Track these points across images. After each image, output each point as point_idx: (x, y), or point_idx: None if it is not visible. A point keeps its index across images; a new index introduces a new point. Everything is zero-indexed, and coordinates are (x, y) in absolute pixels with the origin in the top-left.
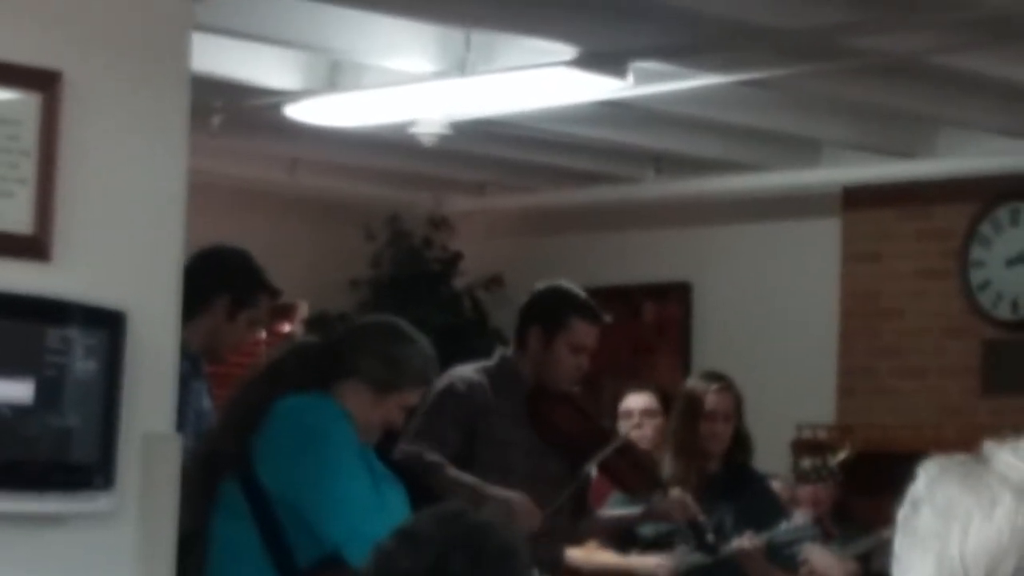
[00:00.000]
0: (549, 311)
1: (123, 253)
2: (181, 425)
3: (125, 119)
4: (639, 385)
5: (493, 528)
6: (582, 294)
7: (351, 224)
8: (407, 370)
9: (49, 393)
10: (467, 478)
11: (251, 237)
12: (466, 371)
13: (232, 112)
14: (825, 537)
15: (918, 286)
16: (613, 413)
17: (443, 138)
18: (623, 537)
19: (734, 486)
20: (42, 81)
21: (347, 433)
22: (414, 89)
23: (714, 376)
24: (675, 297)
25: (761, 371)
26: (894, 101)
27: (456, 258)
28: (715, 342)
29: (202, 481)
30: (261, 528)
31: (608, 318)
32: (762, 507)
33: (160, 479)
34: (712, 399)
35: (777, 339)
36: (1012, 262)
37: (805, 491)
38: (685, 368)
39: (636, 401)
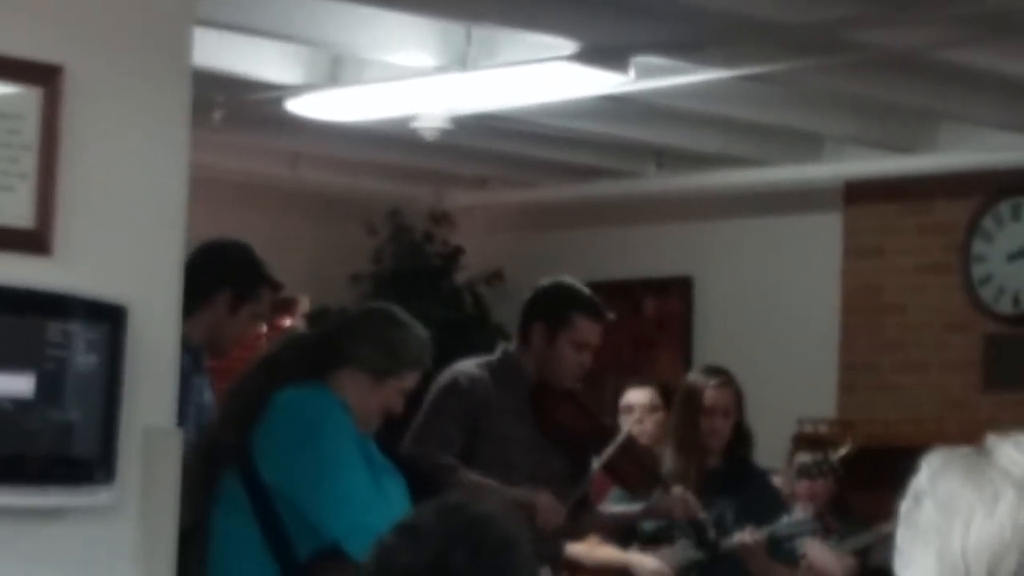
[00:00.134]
0: (553, 308)
1: (124, 247)
2: (182, 419)
3: (126, 113)
4: (640, 380)
5: (494, 520)
6: (586, 291)
7: (352, 219)
8: (403, 354)
9: (50, 387)
10: (487, 481)
11: (252, 232)
12: (468, 366)
13: (233, 107)
14: (825, 531)
15: (919, 281)
16: (614, 408)
17: (444, 133)
18: (624, 532)
19: (734, 481)
20: (43, 75)
21: (345, 425)
22: (415, 84)
23: (714, 371)
24: (676, 292)
25: (762, 366)
26: (896, 96)
27: (457, 253)
28: (716, 337)
29: (202, 474)
30: (261, 521)
31: (612, 315)
32: (763, 502)
33: (161, 473)
34: (711, 394)
35: (778, 334)
36: (1013, 257)
37: (802, 486)
38: (686, 363)
39: (637, 396)
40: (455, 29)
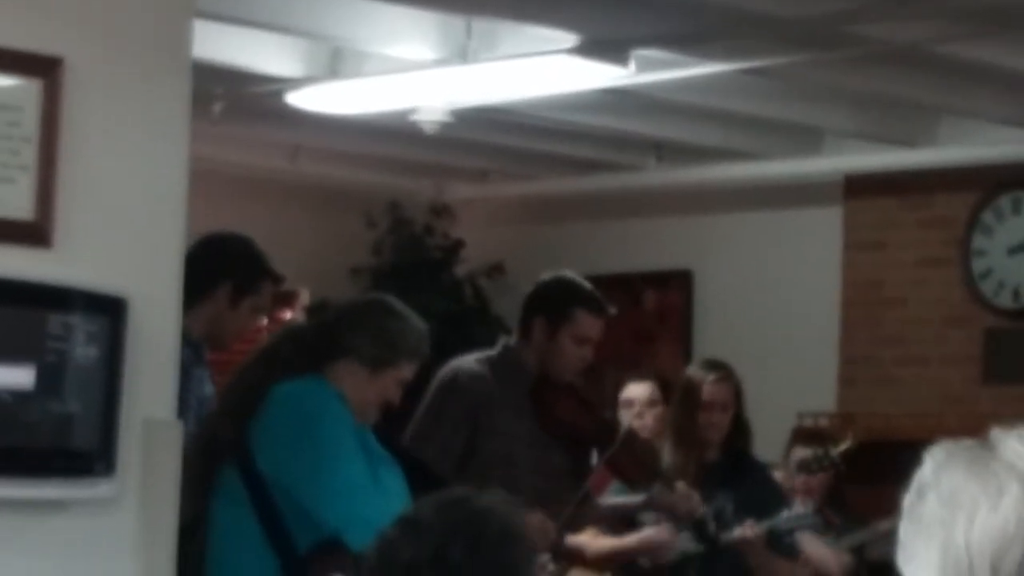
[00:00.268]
0: (554, 303)
1: (124, 240)
2: (183, 412)
3: (126, 106)
4: (640, 374)
5: (494, 513)
6: (587, 285)
7: (352, 211)
8: (400, 345)
9: (50, 379)
10: None
11: (252, 224)
12: (468, 362)
13: (233, 99)
14: (826, 525)
15: (920, 275)
16: (614, 402)
17: (444, 126)
18: (623, 524)
19: (733, 474)
20: (43, 67)
21: (343, 417)
22: (416, 77)
23: (713, 365)
24: (676, 285)
25: (762, 359)
26: (896, 90)
27: (457, 246)
28: (716, 330)
29: (201, 467)
30: (260, 514)
31: (613, 310)
32: (763, 495)
33: (161, 465)
34: (709, 389)
35: (779, 327)
36: (1014, 251)
37: (798, 480)
38: (686, 356)
39: (637, 391)
40: (455, 22)
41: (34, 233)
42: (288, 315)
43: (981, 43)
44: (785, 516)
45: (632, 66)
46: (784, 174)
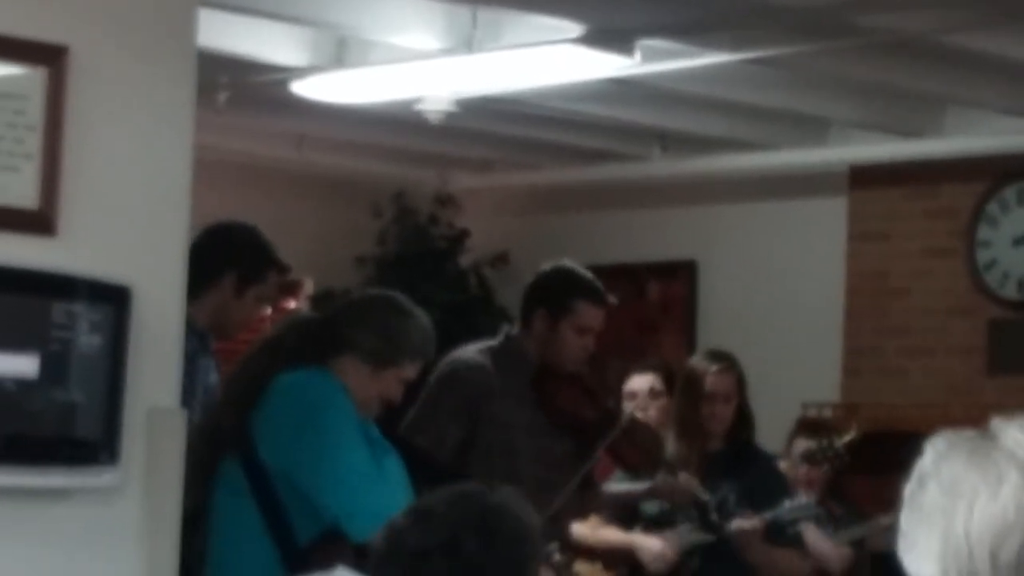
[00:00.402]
0: (554, 294)
1: (128, 228)
2: (189, 401)
3: (131, 94)
4: (643, 366)
5: (508, 510)
6: (588, 275)
7: (357, 201)
8: (404, 344)
9: (54, 368)
10: None
11: (257, 213)
12: (469, 353)
13: (238, 88)
14: (829, 516)
15: (924, 265)
16: (618, 392)
17: (449, 115)
18: (626, 514)
19: (737, 464)
20: (48, 56)
21: (346, 407)
22: (421, 66)
23: (716, 356)
24: (681, 275)
25: (766, 350)
26: (902, 80)
27: (462, 235)
28: (720, 321)
29: (205, 457)
30: (261, 505)
31: (614, 299)
32: (767, 485)
33: (165, 454)
34: (712, 380)
35: (783, 318)
36: (1019, 241)
37: (801, 471)
38: (690, 347)
39: (640, 382)
40: (461, 11)
41: (38, 222)
42: (292, 305)
43: (987, 33)
44: (788, 506)
45: (637, 56)
46: (789, 164)
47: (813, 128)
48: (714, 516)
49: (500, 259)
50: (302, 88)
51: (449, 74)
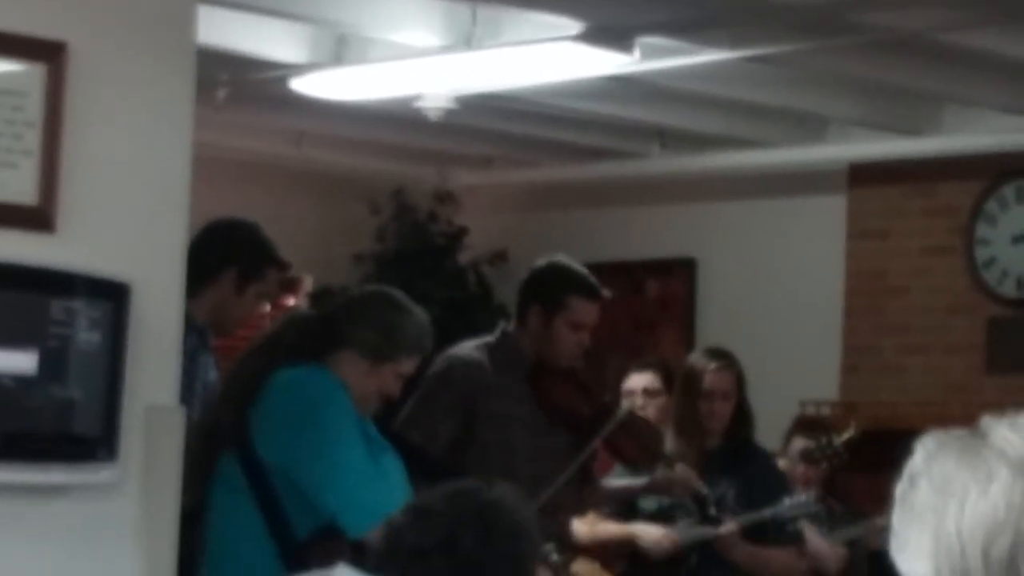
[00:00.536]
0: (548, 291)
1: (127, 225)
2: (188, 398)
3: (130, 91)
4: (642, 364)
5: (505, 507)
6: (581, 271)
7: (356, 198)
8: (401, 339)
9: (53, 364)
10: None
11: (256, 210)
12: (465, 350)
13: (238, 85)
14: (829, 513)
15: (923, 263)
16: (617, 389)
17: (449, 112)
18: (625, 509)
19: (735, 461)
20: (47, 52)
21: (344, 404)
22: (420, 63)
23: (715, 354)
24: (679, 273)
25: (765, 348)
26: (900, 78)
27: (461, 233)
28: (719, 318)
29: (203, 454)
30: (259, 501)
31: (607, 293)
32: (766, 482)
33: (163, 451)
34: (711, 378)
35: (782, 316)
36: (1017, 239)
37: (799, 469)
38: (689, 344)
39: (639, 380)
40: (460, 8)
41: (37, 218)
42: (291, 302)
43: (986, 31)
44: (787, 504)
45: (636, 53)
46: (788, 162)
47: (812, 126)
48: (713, 510)
49: (499, 256)
50: (301, 85)
51: (448, 71)
